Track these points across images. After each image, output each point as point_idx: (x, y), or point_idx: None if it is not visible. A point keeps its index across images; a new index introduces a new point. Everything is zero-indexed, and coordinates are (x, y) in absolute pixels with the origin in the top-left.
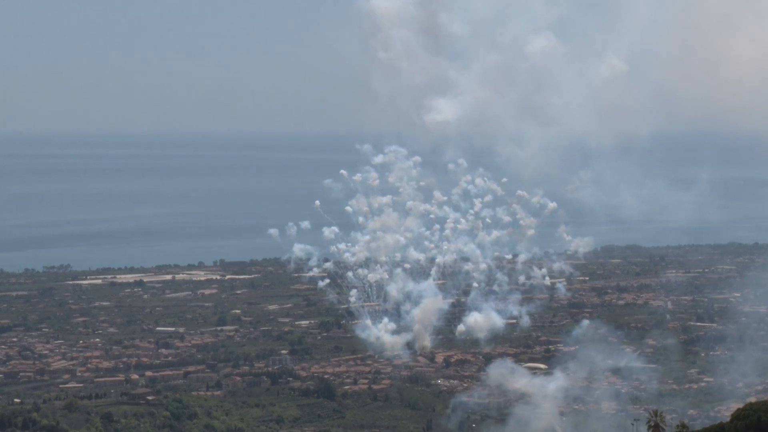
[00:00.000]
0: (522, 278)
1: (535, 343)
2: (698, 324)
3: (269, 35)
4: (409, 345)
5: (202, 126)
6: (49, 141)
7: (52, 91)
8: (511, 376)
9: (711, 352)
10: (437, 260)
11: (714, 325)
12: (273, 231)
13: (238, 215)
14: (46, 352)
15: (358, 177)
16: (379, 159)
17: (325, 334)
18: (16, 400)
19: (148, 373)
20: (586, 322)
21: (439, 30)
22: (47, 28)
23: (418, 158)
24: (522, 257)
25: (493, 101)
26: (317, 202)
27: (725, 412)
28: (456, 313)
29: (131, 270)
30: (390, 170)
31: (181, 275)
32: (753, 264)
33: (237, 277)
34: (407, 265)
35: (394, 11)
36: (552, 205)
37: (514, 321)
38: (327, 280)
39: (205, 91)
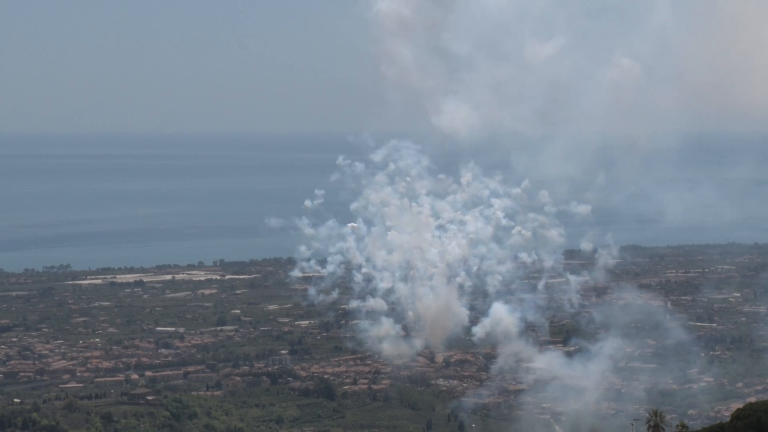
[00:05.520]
0: (542, 284)
1: (535, 342)
2: (698, 324)
3: (270, 35)
4: (421, 352)
5: (202, 126)
6: (49, 141)
7: (52, 91)
8: (528, 354)
9: (711, 352)
10: (452, 261)
11: (714, 325)
12: (274, 221)
13: (238, 215)
14: (46, 352)
15: (360, 169)
16: (379, 156)
17: (325, 334)
18: (16, 400)
19: (148, 373)
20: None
21: (446, 36)
22: (47, 28)
23: (426, 162)
24: (546, 262)
25: (506, 108)
26: (307, 202)
27: (725, 412)
28: (472, 315)
29: (131, 270)
30: (396, 164)
31: (181, 275)
32: (753, 264)
33: (237, 277)
34: (421, 265)
35: (399, 18)
36: (584, 207)
37: (529, 324)
38: (334, 293)
39: (205, 91)
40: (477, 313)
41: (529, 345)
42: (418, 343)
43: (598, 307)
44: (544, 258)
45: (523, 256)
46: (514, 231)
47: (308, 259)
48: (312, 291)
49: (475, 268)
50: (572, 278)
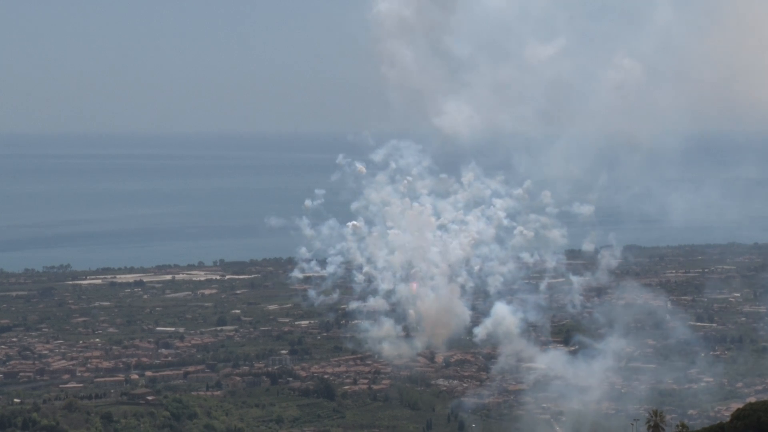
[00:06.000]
0: (544, 285)
1: (536, 342)
2: (698, 324)
3: (270, 35)
4: (421, 353)
5: (202, 126)
6: (49, 141)
7: (52, 91)
8: (528, 354)
9: (711, 352)
10: (454, 262)
11: (714, 325)
12: (274, 220)
13: (238, 215)
14: (46, 352)
15: (362, 168)
16: (380, 155)
17: (325, 334)
18: (16, 400)
19: (148, 373)
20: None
21: (447, 37)
22: (47, 28)
23: (427, 162)
24: (548, 263)
25: (507, 109)
26: (307, 202)
27: (725, 412)
28: (474, 316)
29: (131, 270)
30: (397, 163)
31: (181, 275)
32: (753, 264)
33: (237, 277)
34: (423, 265)
35: (400, 19)
36: (587, 208)
37: (531, 325)
38: (334, 294)
39: (205, 91)
40: (478, 314)
41: (530, 345)
42: (419, 344)
43: (599, 307)
44: (546, 259)
45: (525, 257)
46: (515, 231)
47: (309, 260)
48: (312, 293)
49: (477, 268)
50: (574, 279)
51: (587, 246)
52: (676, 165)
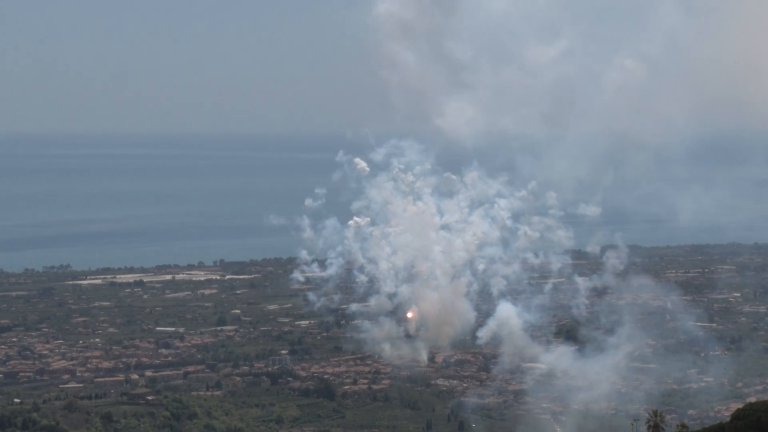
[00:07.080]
0: (549, 286)
1: (537, 342)
2: (698, 324)
3: (271, 35)
4: (429, 357)
5: (202, 126)
6: (49, 141)
7: (52, 91)
8: (529, 354)
9: (711, 352)
10: (457, 262)
11: (714, 325)
12: (274, 219)
13: (238, 215)
14: (46, 352)
15: (363, 166)
16: (381, 155)
17: (325, 334)
18: (16, 400)
19: (148, 373)
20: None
21: (449, 39)
22: (47, 28)
23: (429, 164)
24: (553, 264)
25: (510, 110)
26: (308, 202)
27: (725, 412)
28: (478, 317)
29: (131, 270)
30: (399, 162)
31: (181, 275)
32: (753, 264)
33: (237, 277)
34: (427, 264)
35: (401, 22)
36: (593, 209)
37: (534, 325)
38: (335, 296)
39: (205, 91)
40: (482, 316)
41: (531, 345)
42: (421, 345)
43: (601, 307)
44: (551, 259)
45: (530, 258)
46: (520, 232)
47: (309, 263)
48: (312, 295)
49: (481, 267)
50: (579, 279)
51: (593, 247)
52: (682, 165)
